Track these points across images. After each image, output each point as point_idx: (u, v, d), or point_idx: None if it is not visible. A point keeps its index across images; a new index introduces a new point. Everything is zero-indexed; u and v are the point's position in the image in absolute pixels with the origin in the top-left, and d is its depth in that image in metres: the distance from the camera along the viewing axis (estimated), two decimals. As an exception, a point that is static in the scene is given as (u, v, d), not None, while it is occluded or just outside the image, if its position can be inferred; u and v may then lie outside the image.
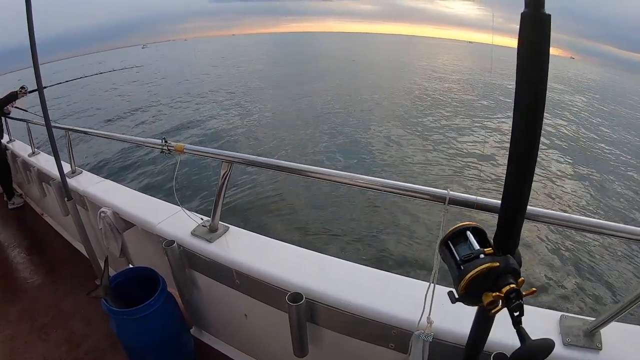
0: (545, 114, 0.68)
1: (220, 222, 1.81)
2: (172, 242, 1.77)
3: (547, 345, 0.66)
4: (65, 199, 2.62)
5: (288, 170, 1.49)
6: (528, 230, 6.46)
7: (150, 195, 2.32)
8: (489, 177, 9.51)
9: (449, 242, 0.65)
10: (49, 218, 3.83)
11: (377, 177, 1.34)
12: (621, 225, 1.08)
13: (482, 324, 0.76)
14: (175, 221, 1.93)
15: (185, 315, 2.14)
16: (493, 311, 0.64)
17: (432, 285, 1.25)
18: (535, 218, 1.13)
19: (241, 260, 1.62)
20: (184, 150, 1.76)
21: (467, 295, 0.63)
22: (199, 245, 1.75)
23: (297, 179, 7.77)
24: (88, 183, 2.67)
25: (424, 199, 1.26)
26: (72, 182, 2.71)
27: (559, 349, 1.20)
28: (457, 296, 0.64)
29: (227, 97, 20.39)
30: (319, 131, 13.16)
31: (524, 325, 1.25)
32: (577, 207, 8.28)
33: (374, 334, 1.42)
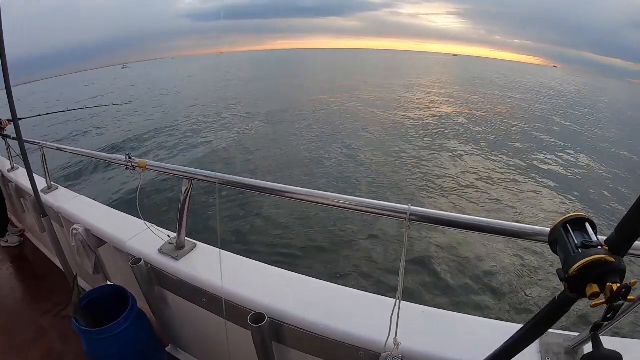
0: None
1: (187, 238, 1.80)
2: (139, 260, 1.77)
3: (616, 357, 0.69)
4: (41, 215, 2.62)
5: (248, 188, 1.49)
6: (520, 244, 6.50)
7: (124, 210, 2.30)
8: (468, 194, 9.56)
9: (568, 225, 0.66)
10: (29, 234, 3.81)
11: (340, 194, 1.32)
12: None
13: (555, 311, 0.76)
14: (144, 238, 1.93)
15: (159, 334, 2.14)
16: (594, 303, 0.63)
17: (397, 303, 1.23)
18: (530, 238, 1.10)
19: (206, 278, 1.61)
20: (147, 167, 1.75)
21: (574, 279, 0.63)
22: (166, 263, 1.75)
23: (267, 196, 7.92)
24: (63, 199, 2.66)
25: (385, 215, 1.24)
26: (48, 198, 2.70)
27: None
28: (564, 275, 0.64)
29: (206, 115, 20.74)
30: (295, 148, 13.37)
31: (501, 341, 1.25)
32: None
33: (340, 355, 1.40)
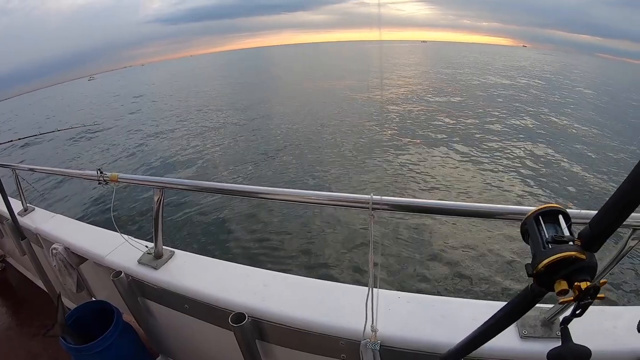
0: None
1: (165, 247, 1.83)
2: (120, 272, 1.79)
3: (585, 352, 0.69)
4: (20, 238, 2.61)
5: (218, 192, 1.52)
6: (476, 223, 6.67)
7: (101, 225, 2.31)
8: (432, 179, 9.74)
9: (540, 217, 0.65)
10: (10, 258, 3.78)
11: (305, 190, 1.36)
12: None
13: (524, 304, 0.75)
14: (123, 251, 1.95)
15: (148, 345, 2.16)
16: (562, 300, 0.64)
17: (370, 291, 1.28)
18: (495, 216, 1.15)
19: (187, 284, 1.65)
20: (119, 180, 1.77)
21: (542, 275, 0.62)
22: (146, 273, 1.77)
23: (238, 198, 7.95)
24: (41, 220, 2.65)
25: (349, 206, 1.28)
26: (25, 220, 2.69)
27: (515, 342, 1.21)
28: (532, 271, 0.63)
29: (175, 121, 20.76)
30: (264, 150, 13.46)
31: (475, 319, 1.30)
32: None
33: (323, 347, 1.45)
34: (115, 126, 20.52)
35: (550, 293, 0.68)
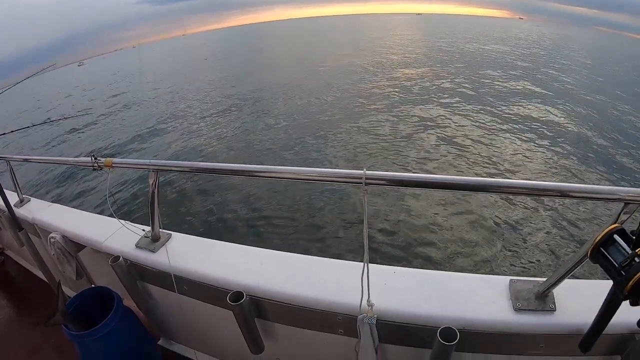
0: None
1: (162, 230, 1.84)
2: (118, 257, 1.80)
3: None
4: (17, 229, 2.61)
5: (213, 172, 1.52)
6: (470, 197, 6.72)
7: (98, 212, 2.31)
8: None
9: (601, 248, 0.72)
10: (9, 251, 3.78)
11: (299, 167, 1.36)
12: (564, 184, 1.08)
13: (611, 310, 0.84)
14: (121, 236, 1.96)
15: (150, 328, 2.19)
16: None
17: (365, 266, 1.29)
18: (499, 190, 1.16)
19: (184, 266, 1.66)
20: (113, 165, 1.77)
21: (631, 295, 0.70)
22: (144, 257, 1.79)
23: (230, 177, 7.94)
24: (37, 210, 2.65)
25: (343, 182, 1.28)
26: (21, 211, 2.69)
27: (509, 315, 1.23)
28: (624, 295, 0.71)
29: (169, 104, 20.49)
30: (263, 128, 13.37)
31: (470, 292, 1.32)
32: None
33: (321, 323, 1.48)
34: (107, 112, 20.01)
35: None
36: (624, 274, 0.69)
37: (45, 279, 2.85)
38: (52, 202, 2.70)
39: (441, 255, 5.50)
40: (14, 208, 2.64)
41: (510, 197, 6.66)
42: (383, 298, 1.34)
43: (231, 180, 7.98)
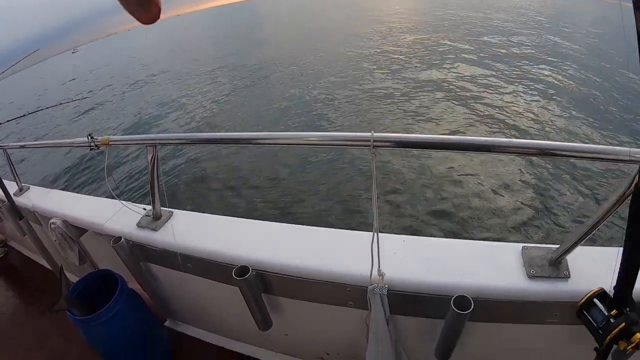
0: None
1: (163, 208, 1.80)
2: (120, 238, 1.76)
3: None
4: (18, 218, 2.58)
5: (214, 142, 1.47)
6: (479, 160, 6.49)
7: (97, 194, 2.28)
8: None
9: (584, 311, 0.89)
10: (12, 242, 3.77)
11: (305, 132, 1.31)
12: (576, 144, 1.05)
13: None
14: (122, 216, 1.92)
15: (155, 309, 2.17)
16: (629, 350, 0.85)
17: (375, 236, 1.25)
18: (498, 149, 1.12)
19: (187, 243, 1.63)
20: (110, 143, 1.72)
21: (608, 346, 0.86)
22: (146, 236, 1.75)
23: (232, 149, 7.82)
24: (37, 197, 2.62)
25: (351, 145, 1.24)
26: (21, 199, 2.66)
27: (523, 282, 1.19)
28: (603, 347, 0.87)
29: (166, 83, 20.14)
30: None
31: (482, 259, 1.27)
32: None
33: (330, 295, 1.44)
34: (104, 96, 19.68)
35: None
36: (601, 332, 0.85)
37: (49, 267, 2.83)
38: (52, 188, 2.66)
39: (452, 223, 5.33)
40: (13, 197, 2.60)
41: (521, 159, 6.40)
42: (394, 268, 1.30)
43: (233, 154, 7.83)
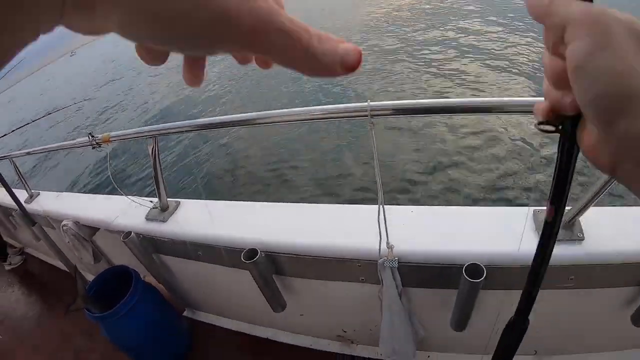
0: None
1: (170, 199, 1.81)
2: (129, 233, 1.78)
3: None
4: (31, 225, 2.63)
5: (209, 127, 1.46)
6: (489, 124, 6.19)
7: (106, 192, 2.30)
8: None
9: None
10: (29, 249, 3.85)
11: (301, 108, 1.29)
12: None
13: None
14: (131, 211, 1.94)
15: (173, 300, 2.20)
16: None
17: (381, 207, 1.24)
18: (502, 110, 1.10)
19: (196, 231, 1.64)
20: (111, 140, 1.73)
21: None
22: (155, 228, 1.77)
23: (232, 134, 7.73)
24: (47, 202, 2.66)
25: (348, 116, 1.22)
26: (32, 206, 2.71)
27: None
28: None
29: (165, 74, 19.66)
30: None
31: (491, 225, 1.27)
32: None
33: (341, 272, 1.44)
34: (105, 95, 19.35)
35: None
36: None
37: (67, 268, 2.89)
38: (61, 191, 2.70)
39: (459, 190, 5.09)
40: (24, 204, 2.65)
41: (525, 119, 6.15)
42: (403, 239, 1.29)
43: (232, 138, 7.71)
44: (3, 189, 3.15)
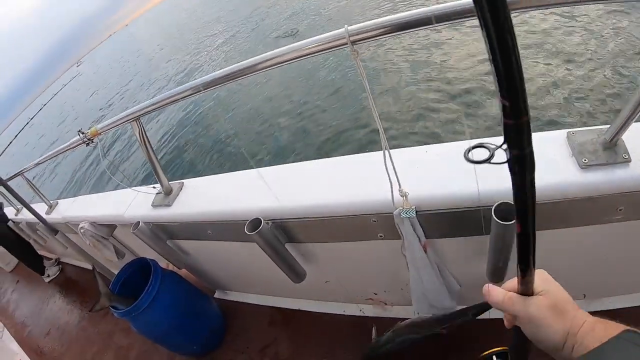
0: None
1: (173, 182, 1.75)
2: (138, 223, 1.73)
3: None
4: (54, 234, 2.67)
5: (191, 92, 1.32)
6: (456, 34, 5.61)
7: (112, 186, 2.26)
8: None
9: None
10: (64, 258, 3.95)
11: (277, 49, 1.13)
12: None
13: None
14: (138, 202, 1.90)
15: (201, 284, 2.21)
16: None
17: (386, 150, 1.09)
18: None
19: (199, 210, 1.58)
20: (99, 132, 1.66)
21: None
22: (162, 214, 1.72)
23: (220, 100, 7.45)
24: (65, 209, 2.67)
25: (325, 49, 1.04)
26: (53, 216, 2.73)
27: (576, 174, 0.99)
28: None
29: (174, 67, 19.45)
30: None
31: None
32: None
33: (356, 231, 1.32)
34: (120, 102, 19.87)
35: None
36: None
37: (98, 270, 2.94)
38: (76, 196, 2.71)
39: (474, 119, 4.29)
40: (45, 216, 2.69)
41: (538, 16, 5.32)
42: (418, 185, 1.14)
43: (217, 105, 7.49)
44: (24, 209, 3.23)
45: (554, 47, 5.02)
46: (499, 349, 0.75)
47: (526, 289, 0.56)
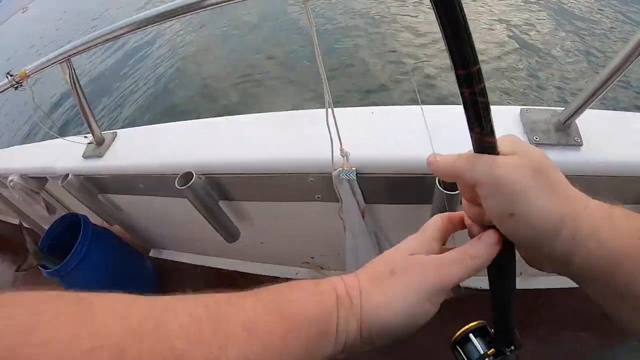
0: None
1: (106, 131, 1.65)
2: (67, 176, 1.62)
3: None
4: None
5: (130, 29, 1.21)
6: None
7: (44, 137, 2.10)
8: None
9: (457, 346, 0.69)
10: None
11: None
12: None
13: None
14: (69, 152, 1.77)
15: (135, 242, 2.13)
16: None
17: (329, 106, 1.05)
18: None
19: (131, 162, 1.50)
20: (28, 75, 1.53)
21: None
22: (93, 165, 1.62)
23: (158, 41, 6.96)
24: None
25: None
26: None
27: None
28: None
29: None
30: None
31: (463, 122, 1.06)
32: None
33: (293, 190, 1.30)
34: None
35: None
36: None
37: (27, 225, 2.77)
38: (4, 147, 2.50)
39: (429, 84, 4.15)
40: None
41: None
42: (361, 146, 1.12)
43: (161, 47, 6.95)
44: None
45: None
46: (474, 323, 0.66)
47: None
